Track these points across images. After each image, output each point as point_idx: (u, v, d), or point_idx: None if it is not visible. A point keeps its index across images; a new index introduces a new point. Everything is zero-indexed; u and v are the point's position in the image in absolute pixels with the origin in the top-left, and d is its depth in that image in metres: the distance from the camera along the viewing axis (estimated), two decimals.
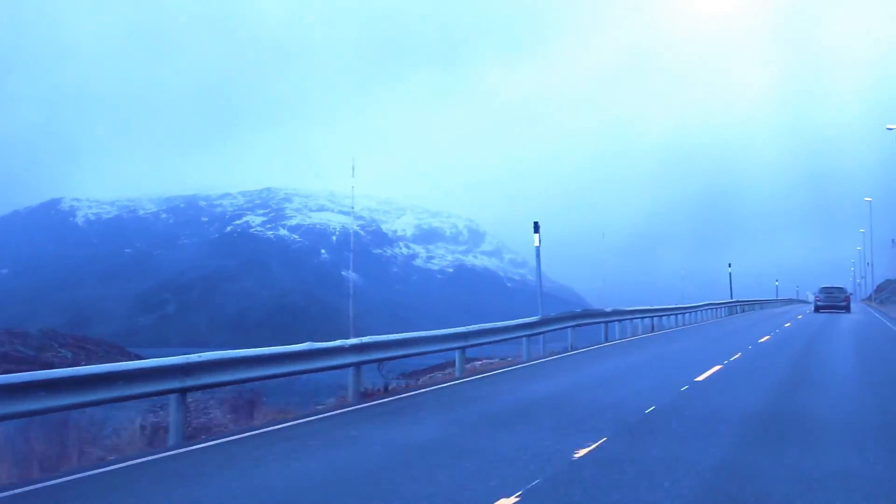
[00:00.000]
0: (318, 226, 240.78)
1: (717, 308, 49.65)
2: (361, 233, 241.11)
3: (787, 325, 37.21)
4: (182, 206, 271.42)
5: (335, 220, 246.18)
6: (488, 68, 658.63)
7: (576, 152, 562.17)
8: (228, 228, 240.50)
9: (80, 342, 45.14)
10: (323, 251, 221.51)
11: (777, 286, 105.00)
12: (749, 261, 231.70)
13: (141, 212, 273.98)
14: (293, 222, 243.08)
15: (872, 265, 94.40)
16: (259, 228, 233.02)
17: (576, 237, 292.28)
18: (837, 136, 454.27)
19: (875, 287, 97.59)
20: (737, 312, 56.18)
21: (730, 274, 70.45)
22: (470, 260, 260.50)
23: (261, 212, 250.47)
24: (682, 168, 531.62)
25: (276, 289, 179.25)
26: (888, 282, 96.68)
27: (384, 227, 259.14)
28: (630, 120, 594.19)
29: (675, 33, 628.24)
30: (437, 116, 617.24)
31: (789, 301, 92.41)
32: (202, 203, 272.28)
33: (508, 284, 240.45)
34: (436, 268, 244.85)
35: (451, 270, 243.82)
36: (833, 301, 56.15)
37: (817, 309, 56.90)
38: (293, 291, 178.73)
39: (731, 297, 63.97)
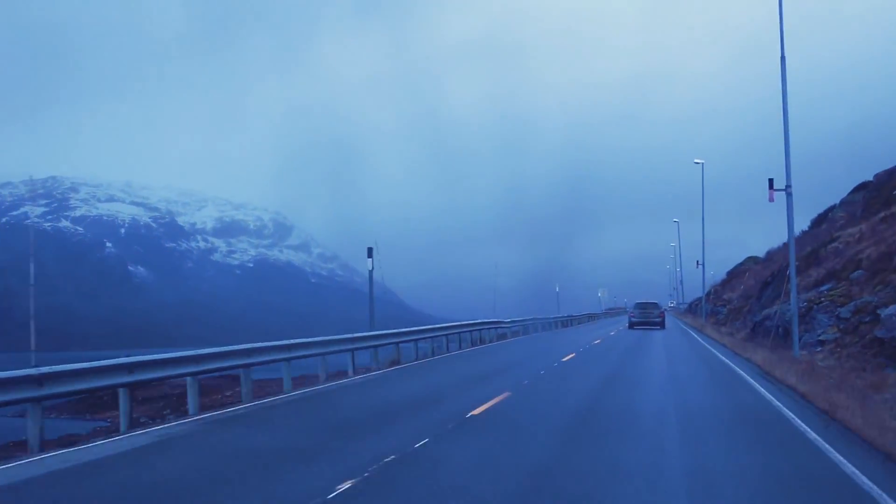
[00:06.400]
0: (105, 217, 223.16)
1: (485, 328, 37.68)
2: (153, 225, 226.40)
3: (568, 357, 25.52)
4: None
5: (125, 212, 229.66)
6: (328, 39, 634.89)
7: (419, 138, 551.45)
8: (3, 220, 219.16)
9: None
10: (108, 244, 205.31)
11: (600, 298, 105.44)
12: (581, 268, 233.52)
13: None
14: (77, 213, 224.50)
15: (682, 283, 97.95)
16: (37, 220, 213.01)
17: (404, 235, 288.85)
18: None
19: (687, 304, 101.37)
20: (536, 330, 50.54)
21: (557, 294, 76.12)
22: (274, 254, 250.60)
23: (42, 202, 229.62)
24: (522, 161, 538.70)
25: (47, 286, 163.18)
26: (698, 298, 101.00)
27: (181, 219, 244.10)
28: (470, 103, 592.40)
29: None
30: (261, 96, 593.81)
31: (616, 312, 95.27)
32: None
33: (313, 280, 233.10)
34: (235, 262, 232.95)
35: (251, 265, 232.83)
36: (647, 317, 54.65)
37: (632, 325, 54.29)
38: (66, 290, 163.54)
39: (559, 313, 67.03)
